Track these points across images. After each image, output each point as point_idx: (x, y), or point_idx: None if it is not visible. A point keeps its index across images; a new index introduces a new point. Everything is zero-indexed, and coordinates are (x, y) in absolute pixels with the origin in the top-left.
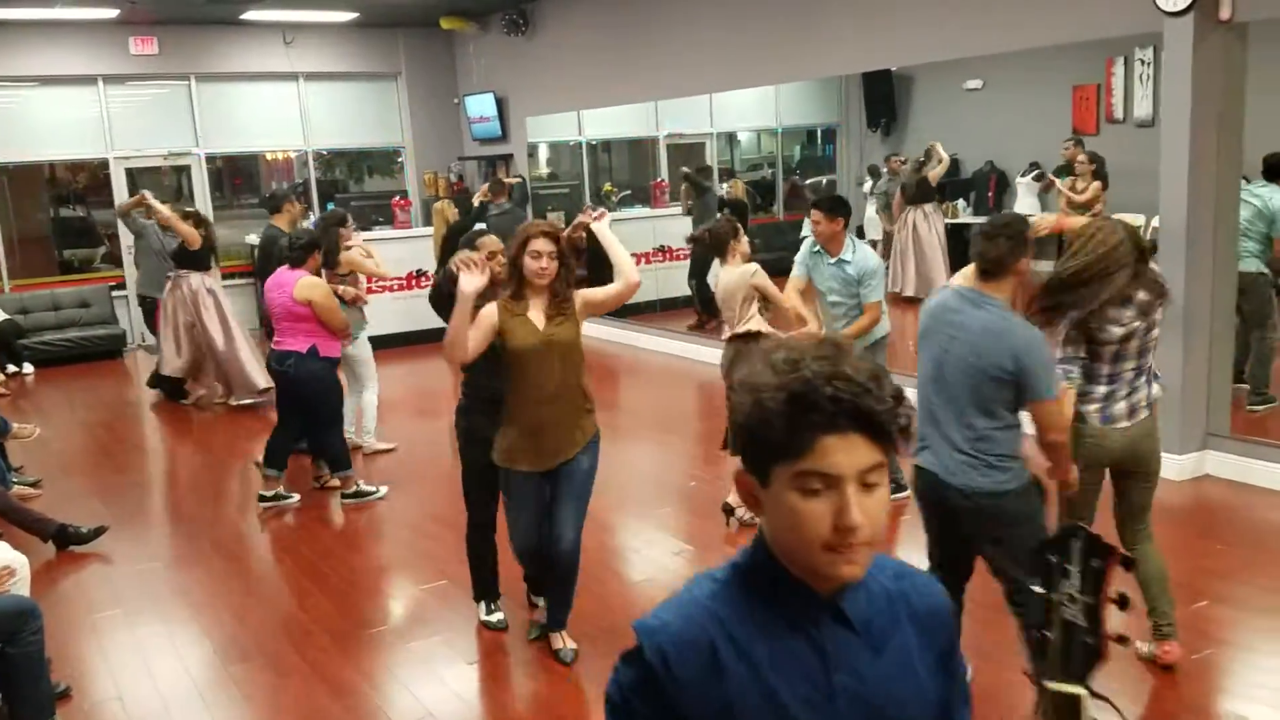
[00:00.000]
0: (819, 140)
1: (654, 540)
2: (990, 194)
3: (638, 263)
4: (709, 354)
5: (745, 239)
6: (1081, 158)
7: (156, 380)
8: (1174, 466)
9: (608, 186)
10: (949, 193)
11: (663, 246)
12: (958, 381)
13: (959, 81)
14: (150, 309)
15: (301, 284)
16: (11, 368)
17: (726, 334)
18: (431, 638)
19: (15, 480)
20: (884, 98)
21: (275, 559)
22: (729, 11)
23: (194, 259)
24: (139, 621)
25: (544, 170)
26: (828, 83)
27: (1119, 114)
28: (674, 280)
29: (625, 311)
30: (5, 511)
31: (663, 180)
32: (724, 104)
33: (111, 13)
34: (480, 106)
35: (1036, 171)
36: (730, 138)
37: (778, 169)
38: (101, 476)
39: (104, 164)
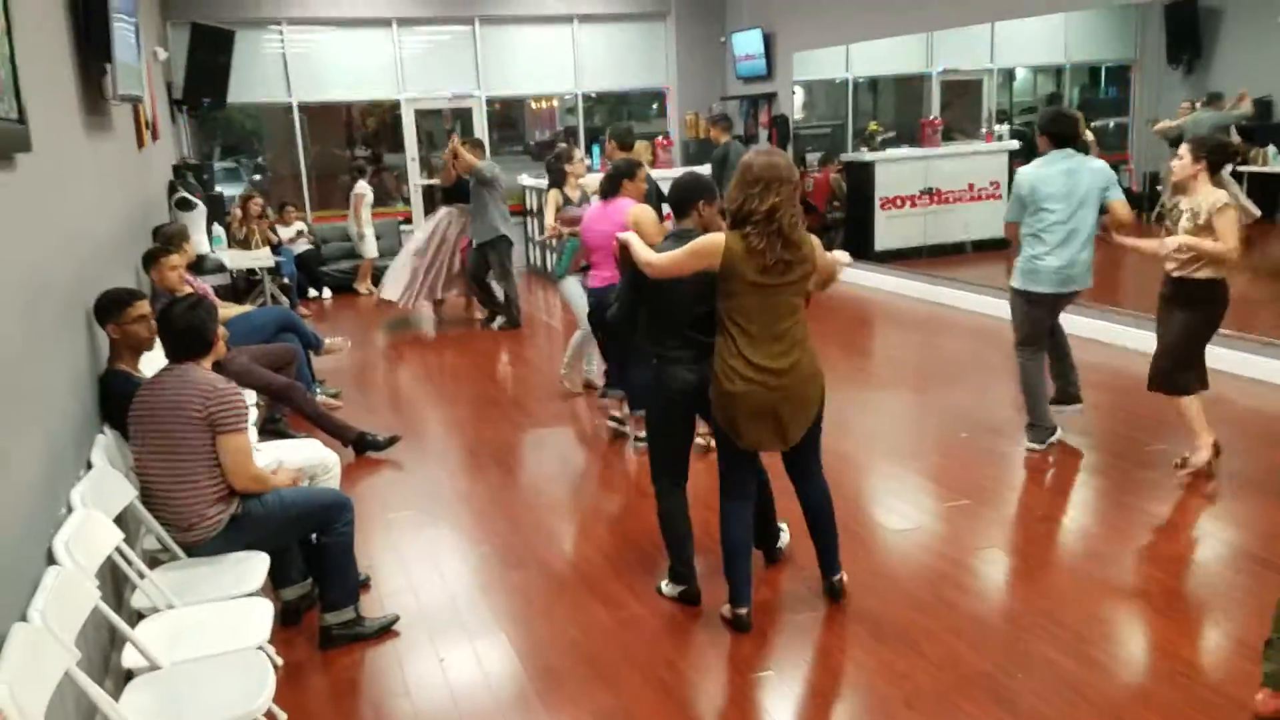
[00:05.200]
0: (1102, 80)
1: (922, 488)
2: None
3: (902, 206)
4: (975, 302)
5: None
6: None
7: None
8: None
9: (873, 125)
10: (1258, 138)
11: (930, 189)
12: None
13: (1274, 15)
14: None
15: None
16: (313, 292)
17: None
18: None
19: (319, 391)
20: (1188, 31)
21: (550, 474)
22: None
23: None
24: (427, 523)
25: (802, 113)
26: (1123, 14)
27: None
28: (943, 225)
29: (888, 258)
30: (314, 417)
31: (936, 118)
32: (1007, 37)
33: None
34: (747, 44)
35: None
36: (1009, 75)
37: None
38: (393, 392)
39: (395, 105)
